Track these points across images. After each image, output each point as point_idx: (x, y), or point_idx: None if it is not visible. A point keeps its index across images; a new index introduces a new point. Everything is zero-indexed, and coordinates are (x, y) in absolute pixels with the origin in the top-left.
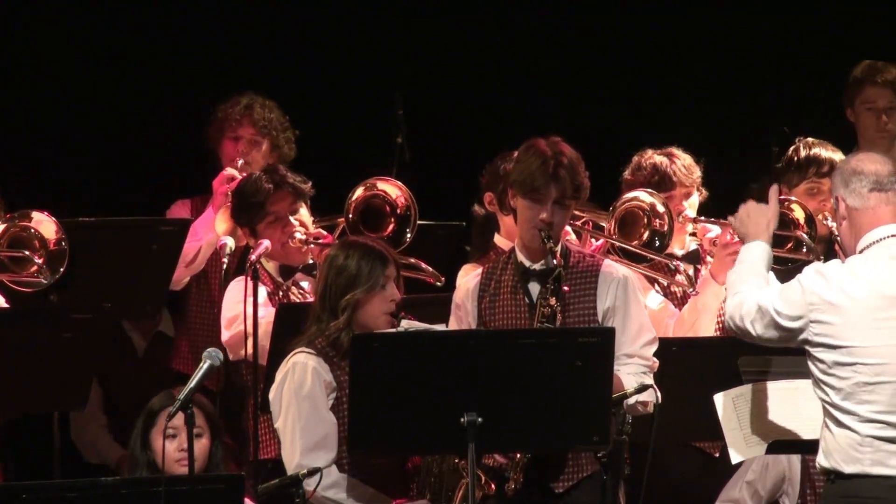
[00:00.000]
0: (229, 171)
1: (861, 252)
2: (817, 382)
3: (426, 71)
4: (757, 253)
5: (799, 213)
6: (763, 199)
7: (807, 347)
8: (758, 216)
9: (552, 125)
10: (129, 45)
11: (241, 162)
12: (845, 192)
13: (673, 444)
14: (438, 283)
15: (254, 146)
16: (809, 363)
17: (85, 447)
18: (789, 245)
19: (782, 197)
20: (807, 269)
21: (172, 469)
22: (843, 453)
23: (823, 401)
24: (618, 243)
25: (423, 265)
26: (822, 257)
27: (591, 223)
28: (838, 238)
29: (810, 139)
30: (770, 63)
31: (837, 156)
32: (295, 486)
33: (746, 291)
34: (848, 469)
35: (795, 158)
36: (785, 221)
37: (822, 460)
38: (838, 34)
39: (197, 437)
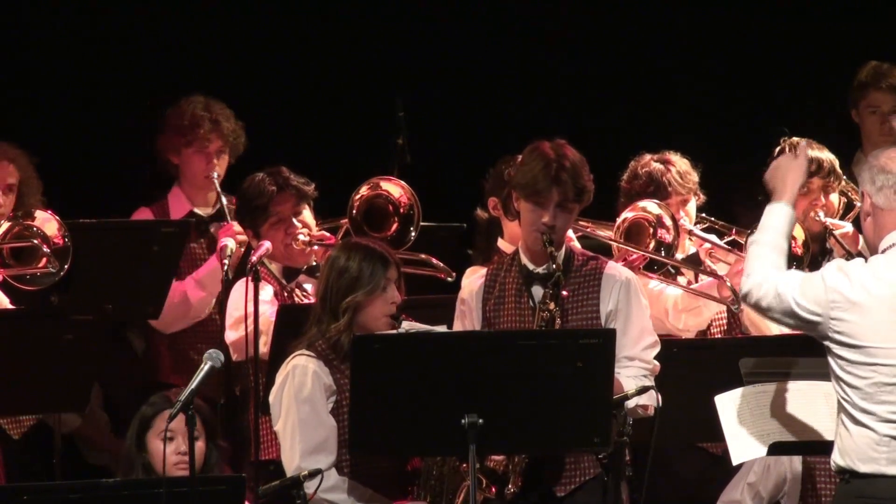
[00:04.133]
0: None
1: (884, 252)
2: (836, 380)
3: (427, 74)
4: (779, 219)
5: (798, 233)
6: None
7: (826, 343)
8: (785, 169)
9: (553, 128)
10: (128, 45)
11: (215, 175)
12: (871, 188)
13: (677, 445)
14: (450, 279)
15: (221, 156)
16: (829, 359)
17: (86, 447)
18: None
19: None
20: (829, 266)
21: (170, 472)
22: (859, 452)
23: (842, 398)
24: (652, 256)
25: (435, 261)
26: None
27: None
28: (834, 232)
29: (794, 139)
30: (771, 64)
31: (824, 154)
32: (296, 488)
33: (764, 273)
34: (864, 469)
35: None
36: None
37: (836, 459)
38: (839, 34)
39: (194, 439)
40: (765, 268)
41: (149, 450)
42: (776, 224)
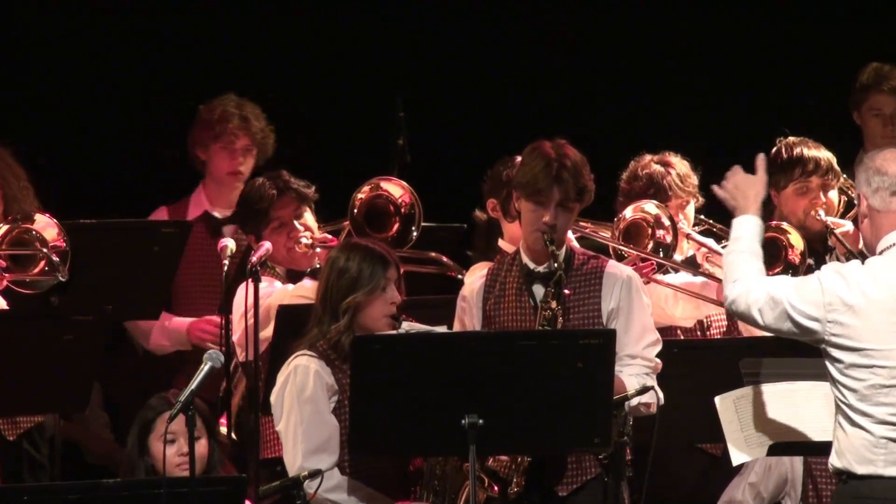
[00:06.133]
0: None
1: (881, 253)
2: (833, 382)
3: (427, 74)
4: (749, 229)
5: (797, 243)
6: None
7: (823, 347)
8: (745, 187)
9: (553, 128)
10: (128, 45)
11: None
12: (868, 190)
13: (677, 446)
14: (460, 276)
15: (247, 154)
16: (826, 362)
17: (86, 448)
18: (778, 269)
19: (778, 223)
20: (826, 269)
21: (175, 474)
22: (856, 454)
23: (839, 400)
24: (649, 257)
25: (445, 259)
26: None
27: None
28: (834, 231)
29: (791, 139)
30: (772, 64)
31: (821, 153)
32: (296, 488)
33: (751, 278)
34: (861, 470)
35: (779, 160)
36: (779, 246)
37: (834, 460)
38: (839, 34)
39: (196, 439)
40: (750, 274)
41: (151, 453)
42: (748, 233)
